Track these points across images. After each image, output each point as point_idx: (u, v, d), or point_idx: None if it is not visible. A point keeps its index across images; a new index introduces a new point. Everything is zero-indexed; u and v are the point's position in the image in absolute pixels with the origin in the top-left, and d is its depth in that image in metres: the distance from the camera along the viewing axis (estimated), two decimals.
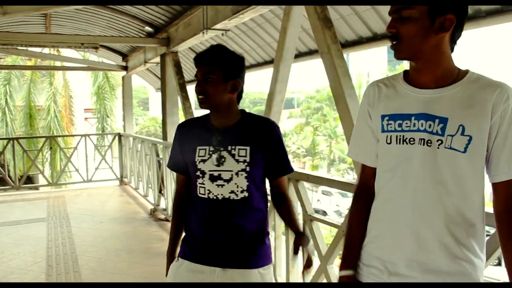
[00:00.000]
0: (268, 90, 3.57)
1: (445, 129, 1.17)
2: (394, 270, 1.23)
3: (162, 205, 5.75)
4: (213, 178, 1.60)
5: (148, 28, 6.17)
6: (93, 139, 8.68)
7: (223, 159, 1.60)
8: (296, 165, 21.38)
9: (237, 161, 1.60)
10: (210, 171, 1.60)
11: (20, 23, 6.71)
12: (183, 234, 1.73)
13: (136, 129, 14.93)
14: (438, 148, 1.18)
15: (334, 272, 2.54)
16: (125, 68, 8.55)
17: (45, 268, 3.92)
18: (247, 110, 1.75)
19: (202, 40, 5.49)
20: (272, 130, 1.67)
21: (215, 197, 1.60)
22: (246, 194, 1.61)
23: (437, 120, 1.18)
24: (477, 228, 1.20)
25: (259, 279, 1.61)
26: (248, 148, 1.60)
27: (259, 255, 1.64)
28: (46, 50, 8.82)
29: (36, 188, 9.53)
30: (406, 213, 1.21)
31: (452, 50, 1.23)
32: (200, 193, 1.63)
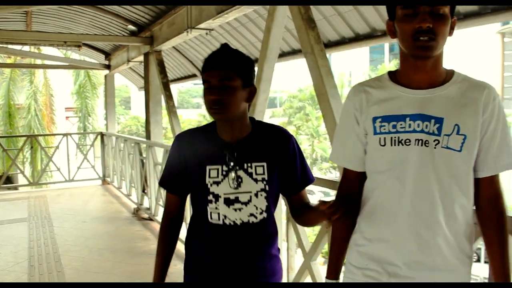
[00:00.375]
0: None
1: (441, 129, 1.18)
2: (394, 271, 1.23)
3: (146, 204, 5.73)
4: (229, 202, 1.41)
5: (131, 27, 6.13)
6: (75, 138, 8.56)
7: (240, 180, 1.41)
8: None
9: (255, 180, 1.42)
10: (225, 194, 1.41)
11: None
12: (173, 257, 1.56)
13: (118, 128, 14.77)
14: (435, 148, 1.18)
15: (318, 268, 2.58)
16: (107, 66, 8.47)
17: (27, 269, 3.87)
18: None
19: (186, 39, 5.50)
20: (287, 142, 1.48)
21: (232, 223, 1.42)
22: (265, 215, 1.45)
23: (433, 120, 1.19)
24: (470, 226, 1.23)
25: None
26: (264, 164, 1.43)
27: (278, 274, 1.54)
28: (26, 48, 8.68)
29: (16, 188, 9.36)
30: (404, 214, 1.21)
31: None
32: (211, 219, 1.43)
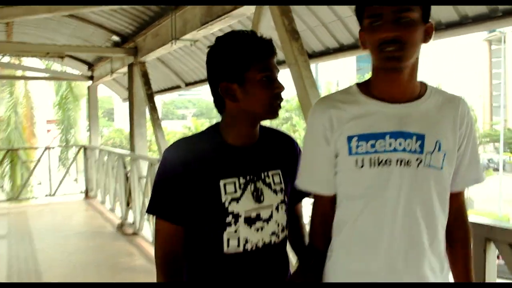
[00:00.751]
0: None
1: (424, 146, 1.11)
2: None
3: (130, 219, 5.62)
4: (250, 221, 1.18)
5: (115, 37, 6.08)
6: (57, 152, 8.40)
7: (260, 193, 1.20)
8: None
9: (275, 191, 1.23)
10: (246, 212, 1.18)
11: None
12: None
13: (101, 141, 14.61)
14: (417, 167, 1.10)
15: None
16: (90, 77, 8.36)
17: None
18: (215, 121, 1.37)
19: (171, 50, 5.46)
20: (295, 146, 1.34)
21: (253, 248, 1.19)
22: (286, 232, 1.27)
23: (414, 137, 1.11)
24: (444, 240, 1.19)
25: None
26: (279, 171, 1.26)
27: None
28: (5, 59, 8.52)
29: None
30: (388, 244, 1.11)
31: None
32: (228, 248, 1.17)
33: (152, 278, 1.24)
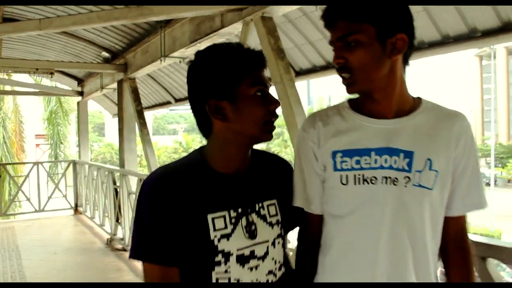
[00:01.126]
0: None
1: (412, 164, 1.05)
2: None
3: (119, 234, 5.60)
4: (243, 260, 1.04)
5: (105, 54, 6.12)
6: (46, 167, 8.35)
7: (254, 227, 1.07)
8: None
9: (270, 224, 1.10)
10: (239, 250, 1.04)
11: None
12: None
13: (91, 156, 14.52)
14: (405, 186, 1.04)
15: None
16: (80, 93, 8.37)
17: None
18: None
19: (161, 67, 5.52)
20: (291, 171, 1.21)
21: None
22: (283, 269, 1.14)
23: (402, 155, 1.05)
24: (436, 268, 1.14)
25: None
26: (275, 201, 1.13)
27: None
28: None
29: None
30: (371, 267, 1.06)
31: (404, 70, 1.11)
32: None
33: None
